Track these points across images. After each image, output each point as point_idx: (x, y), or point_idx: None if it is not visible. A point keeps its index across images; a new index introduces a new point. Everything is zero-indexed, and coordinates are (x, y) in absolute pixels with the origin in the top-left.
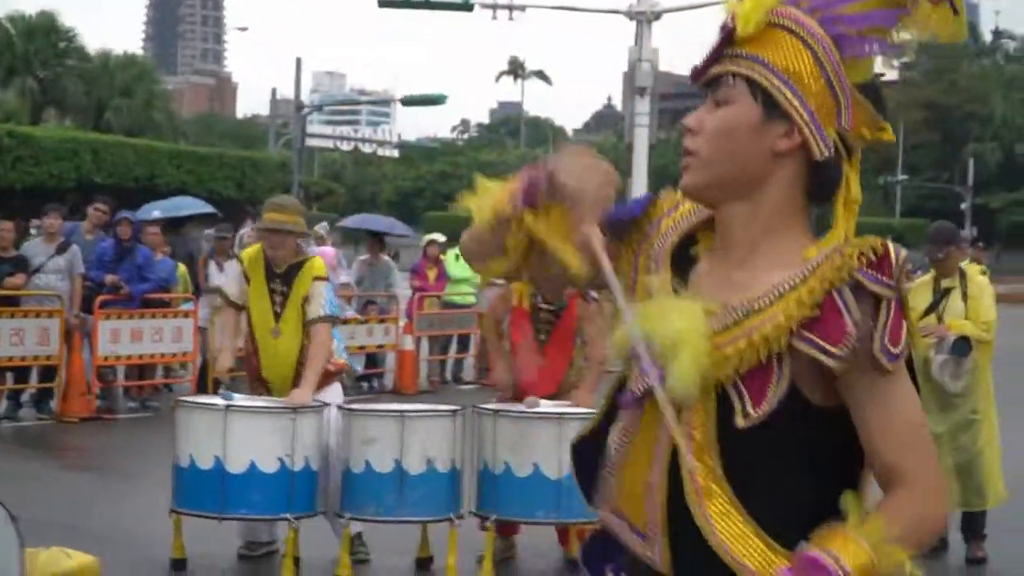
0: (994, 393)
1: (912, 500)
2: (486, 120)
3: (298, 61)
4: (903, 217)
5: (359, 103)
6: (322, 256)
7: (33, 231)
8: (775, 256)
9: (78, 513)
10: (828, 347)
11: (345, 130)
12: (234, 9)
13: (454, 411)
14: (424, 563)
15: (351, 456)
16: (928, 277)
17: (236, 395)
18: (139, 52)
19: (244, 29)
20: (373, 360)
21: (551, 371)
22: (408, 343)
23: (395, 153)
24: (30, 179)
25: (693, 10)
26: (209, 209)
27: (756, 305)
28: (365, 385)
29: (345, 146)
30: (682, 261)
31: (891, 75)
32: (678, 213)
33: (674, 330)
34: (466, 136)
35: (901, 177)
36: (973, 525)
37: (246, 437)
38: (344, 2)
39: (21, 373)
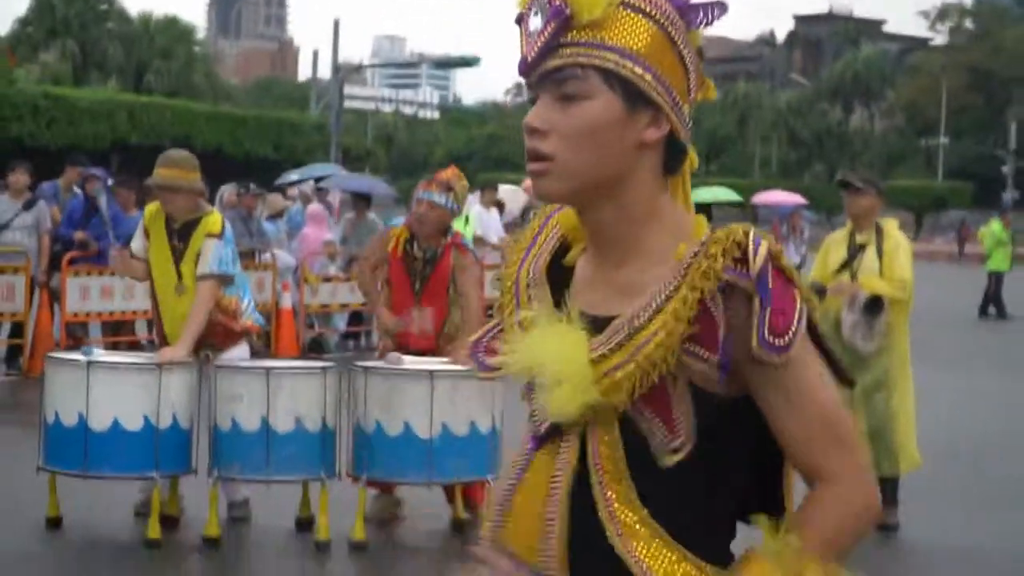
0: (910, 355)
1: (836, 499)
2: None
3: (336, 23)
4: (945, 180)
5: (388, 65)
6: (311, 214)
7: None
8: (650, 252)
9: None
10: (710, 356)
11: (407, 93)
12: None
13: (324, 368)
14: (304, 523)
15: (218, 413)
16: (844, 231)
17: (98, 350)
18: (202, 17)
19: None
20: (359, 317)
21: (431, 323)
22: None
23: (436, 115)
24: (65, 139)
25: None
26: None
27: (637, 322)
28: (351, 343)
29: (387, 108)
30: (559, 272)
31: (937, 39)
32: (542, 224)
33: (558, 367)
34: (519, 99)
35: (944, 140)
36: (885, 491)
37: (109, 394)
38: None
39: None
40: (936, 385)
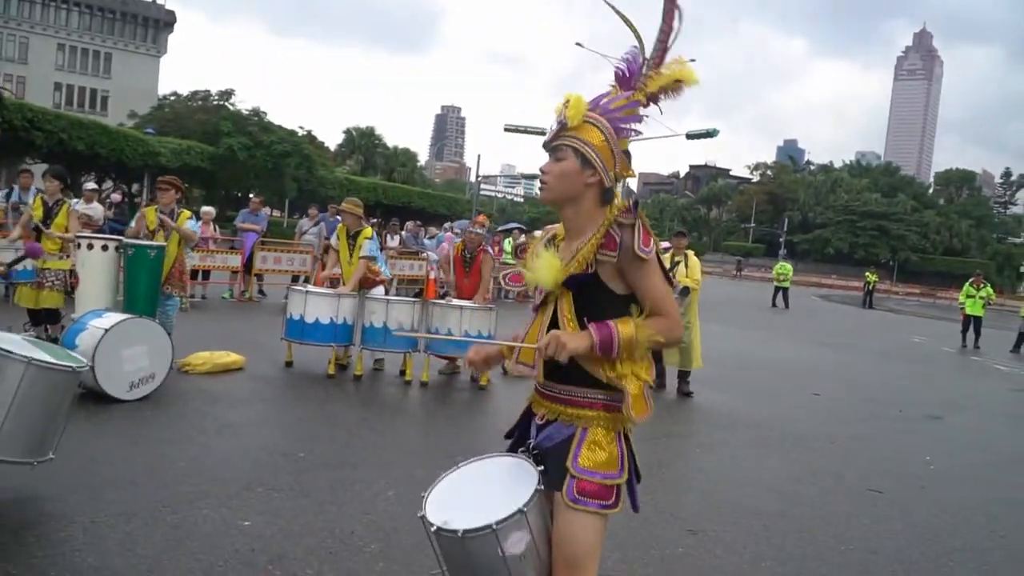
0: (699, 314)
1: (664, 321)
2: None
3: (478, 156)
4: (752, 244)
5: (506, 176)
6: (446, 238)
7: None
8: (589, 230)
9: None
10: (609, 253)
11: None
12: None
13: (413, 302)
14: (403, 373)
15: (366, 318)
16: (669, 254)
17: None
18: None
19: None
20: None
21: (470, 288)
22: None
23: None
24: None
25: None
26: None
27: (578, 247)
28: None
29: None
30: (551, 246)
31: (755, 177)
32: (546, 233)
33: (546, 267)
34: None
35: (752, 225)
36: (685, 376)
37: (315, 305)
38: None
39: None
40: (729, 333)
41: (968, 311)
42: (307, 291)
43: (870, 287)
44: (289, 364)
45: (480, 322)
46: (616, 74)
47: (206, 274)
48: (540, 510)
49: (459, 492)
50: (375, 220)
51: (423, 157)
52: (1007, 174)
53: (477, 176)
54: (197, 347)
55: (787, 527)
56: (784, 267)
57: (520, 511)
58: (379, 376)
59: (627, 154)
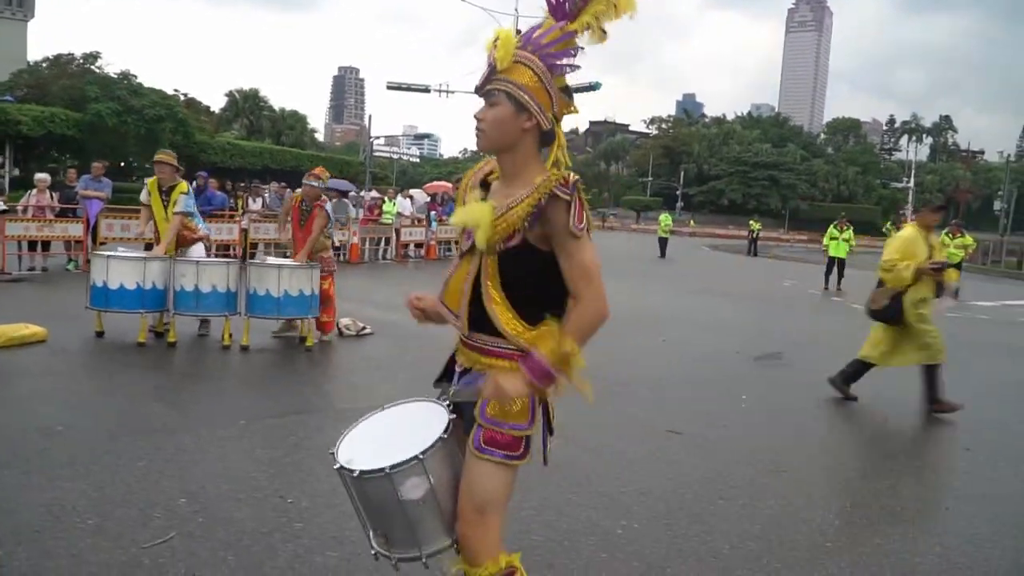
0: None
1: (579, 310)
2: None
3: (369, 117)
4: (651, 197)
5: (404, 135)
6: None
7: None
8: (524, 179)
9: None
10: (537, 226)
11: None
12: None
13: (228, 262)
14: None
15: (176, 281)
16: (924, 233)
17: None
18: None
19: None
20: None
21: (302, 239)
22: (355, 240)
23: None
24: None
25: None
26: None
27: (510, 205)
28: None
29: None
30: (486, 187)
31: (652, 130)
32: (482, 166)
33: (476, 218)
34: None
35: (650, 179)
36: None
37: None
38: None
39: None
40: (625, 284)
41: (831, 253)
42: (108, 256)
43: (754, 235)
44: (100, 334)
45: (300, 281)
46: (548, 1)
47: (45, 245)
48: (446, 458)
49: (373, 434)
50: (243, 184)
51: (322, 120)
52: (891, 121)
53: (368, 137)
54: (19, 318)
55: (568, 474)
56: (665, 218)
57: (416, 458)
58: (198, 343)
59: (566, 90)
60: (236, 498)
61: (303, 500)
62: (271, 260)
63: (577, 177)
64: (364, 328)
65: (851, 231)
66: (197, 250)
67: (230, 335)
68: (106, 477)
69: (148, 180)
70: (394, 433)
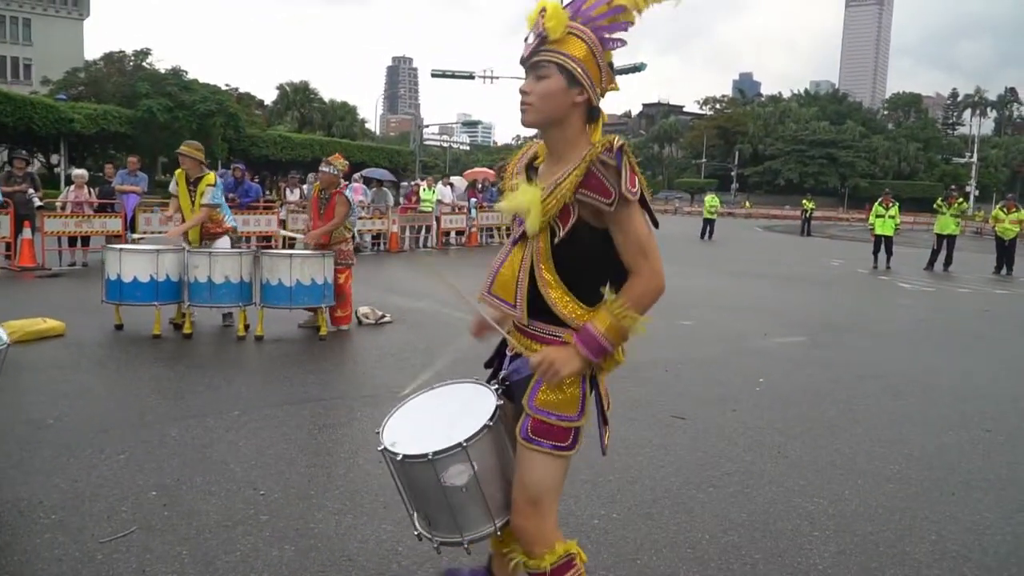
0: None
1: (637, 283)
2: None
3: (417, 108)
4: (704, 179)
5: (453, 124)
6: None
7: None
8: (573, 157)
9: None
10: (589, 194)
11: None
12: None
13: (241, 253)
14: (240, 328)
15: (189, 273)
16: None
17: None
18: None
19: None
20: (378, 236)
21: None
22: (395, 228)
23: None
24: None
25: None
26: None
27: (558, 181)
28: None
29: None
30: (532, 170)
31: (704, 111)
32: (527, 150)
33: (526, 202)
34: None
35: (704, 160)
36: None
37: (133, 263)
38: None
39: None
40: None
41: (877, 231)
42: (121, 249)
43: (808, 215)
44: (120, 327)
45: (313, 270)
46: None
47: (85, 240)
48: (492, 445)
49: (419, 414)
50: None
51: (377, 111)
52: (954, 95)
53: (418, 125)
54: (44, 312)
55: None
56: (711, 199)
57: (460, 445)
58: (214, 334)
59: (611, 66)
60: (208, 490)
61: (275, 492)
62: (281, 251)
63: (624, 141)
64: (383, 316)
65: (897, 207)
66: (222, 243)
67: (246, 326)
68: (83, 471)
69: (177, 171)
70: (441, 416)
